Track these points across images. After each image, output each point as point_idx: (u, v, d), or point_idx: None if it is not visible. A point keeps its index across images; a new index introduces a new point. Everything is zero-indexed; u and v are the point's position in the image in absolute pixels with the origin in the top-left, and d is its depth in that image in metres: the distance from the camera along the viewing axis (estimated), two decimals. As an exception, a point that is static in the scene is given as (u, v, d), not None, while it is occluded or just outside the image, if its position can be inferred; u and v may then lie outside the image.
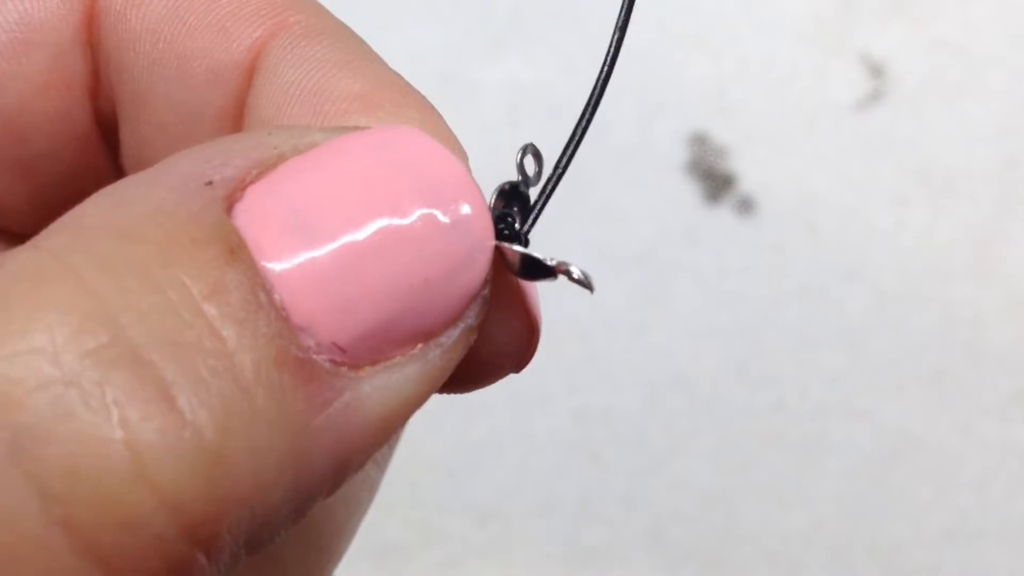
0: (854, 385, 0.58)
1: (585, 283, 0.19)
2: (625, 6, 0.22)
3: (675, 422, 0.57)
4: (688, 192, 0.59)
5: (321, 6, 0.24)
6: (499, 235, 0.20)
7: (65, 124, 0.25)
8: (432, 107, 0.22)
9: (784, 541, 0.56)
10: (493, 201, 0.21)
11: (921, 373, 0.58)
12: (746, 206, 0.59)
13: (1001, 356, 0.58)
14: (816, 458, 0.57)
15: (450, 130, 0.22)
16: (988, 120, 0.60)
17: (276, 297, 0.18)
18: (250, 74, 0.23)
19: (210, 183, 0.18)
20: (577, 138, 0.22)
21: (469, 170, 0.20)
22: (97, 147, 0.26)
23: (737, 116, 0.60)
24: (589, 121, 0.22)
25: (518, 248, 0.20)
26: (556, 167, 0.22)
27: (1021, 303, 0.58)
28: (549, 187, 0.22)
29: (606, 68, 0.22)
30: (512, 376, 0.22)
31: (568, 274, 0.20)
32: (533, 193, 0.22)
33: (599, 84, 0.21)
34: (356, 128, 0.20)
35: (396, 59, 0.23)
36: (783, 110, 0.60)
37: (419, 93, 0.22)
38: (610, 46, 0.22)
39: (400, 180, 0.19)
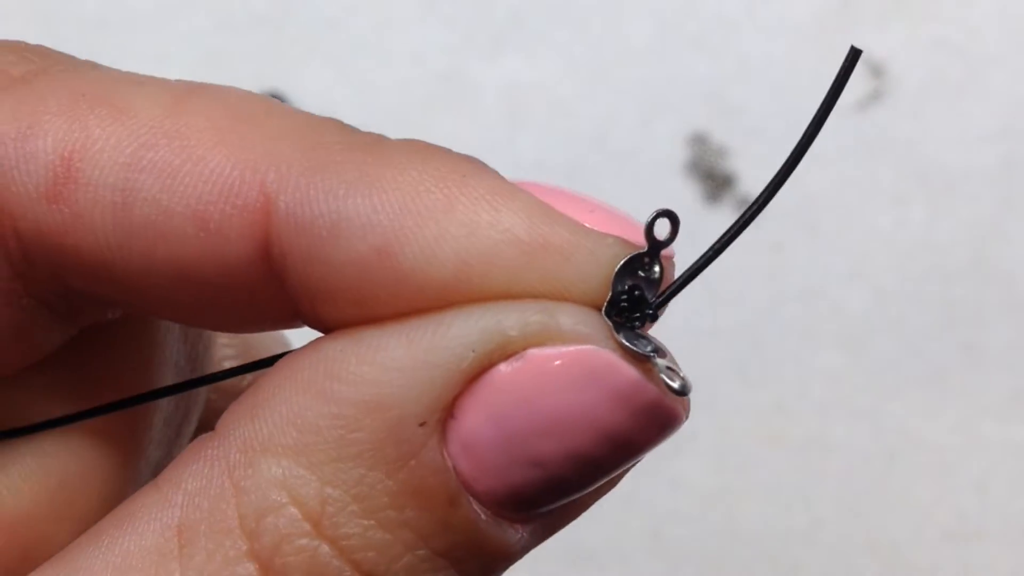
0: (854, 385, 0.58)
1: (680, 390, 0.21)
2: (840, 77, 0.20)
3: (675, 422, 0.57)
4: (688, 192, 0.59)
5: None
6: (620, 323, 0.21)
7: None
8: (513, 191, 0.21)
9: (784, 541, 0.56)
10: (615, 275, 0.21)
11: (921, 373, 0.58)
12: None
13: (1001, 356, 0.58)
14: (816, 458, 0.57)
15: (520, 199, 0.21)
16: (988, 120, 0.59)
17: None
18: None
19: (424, 424, 0.19)
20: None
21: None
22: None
23: (737, 116, 0.60)
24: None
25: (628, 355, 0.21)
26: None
27: (1021, 303, 0.58)
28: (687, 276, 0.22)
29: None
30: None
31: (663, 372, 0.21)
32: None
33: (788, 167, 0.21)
34: (545, 336, 0.20)
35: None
36: (783, 110, 0.60)
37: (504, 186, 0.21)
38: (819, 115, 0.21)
39: (610, 416, 0.20)
